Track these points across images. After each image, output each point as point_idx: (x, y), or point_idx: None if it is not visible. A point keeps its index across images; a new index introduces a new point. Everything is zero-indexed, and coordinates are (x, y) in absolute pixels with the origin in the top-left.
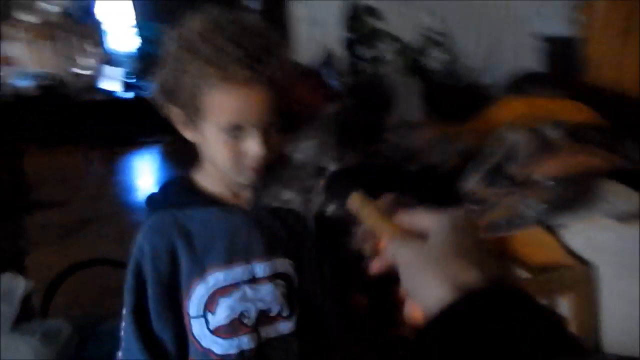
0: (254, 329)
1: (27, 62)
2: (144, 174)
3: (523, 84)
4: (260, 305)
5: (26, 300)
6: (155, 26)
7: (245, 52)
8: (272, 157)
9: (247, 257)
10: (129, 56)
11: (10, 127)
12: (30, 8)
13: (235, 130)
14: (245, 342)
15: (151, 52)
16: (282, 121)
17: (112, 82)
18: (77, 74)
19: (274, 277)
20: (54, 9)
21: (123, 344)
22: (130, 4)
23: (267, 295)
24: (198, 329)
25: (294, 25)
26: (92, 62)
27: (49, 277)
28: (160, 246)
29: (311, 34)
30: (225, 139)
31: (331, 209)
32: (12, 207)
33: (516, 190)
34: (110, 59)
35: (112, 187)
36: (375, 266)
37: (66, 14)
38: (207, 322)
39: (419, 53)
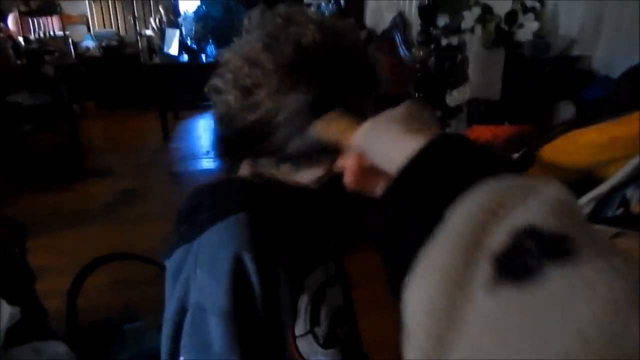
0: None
1: (94, 22)
2: (200, 140)
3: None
4: (336, 309)
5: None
6: None
7: (360, 70)
8: None
9: (326, 252)
10: (192, 19)
11: (71, 90)
12: None
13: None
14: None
15: (212, 14)
16: None
17: (174, 45)
18: (142, 35)
19: (337, 276)
20: None
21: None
22: None
23: (339, 296)
24: (307, 347)
25: None
26: (158, 24)
27: (90, 252)
28: (266, 255)
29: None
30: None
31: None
32: (68, 176)
33: (631, 232)
34: (176, 22)
35: (165, 154)
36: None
37: None
38: (315, 336)
39: (506, 21)
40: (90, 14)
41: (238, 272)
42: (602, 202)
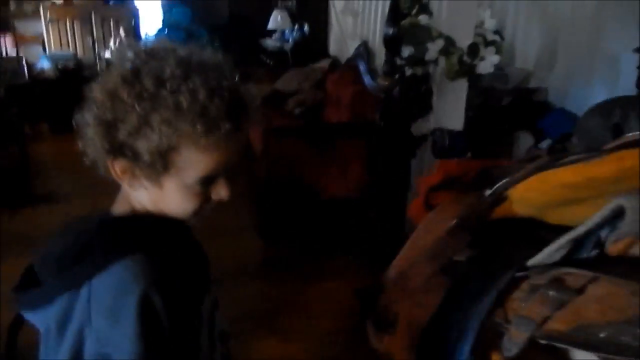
0: None
1: (50, 43)
2: None
3: (615, 114)
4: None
5: None
6: (181, 10)
7: (226, 102)
8: None
9: (208, 279)
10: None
11: (23, 113)
12: None
13: (208, 181)
14: None
15: (174, 38)
16: None
17: None
18: (101, 58)
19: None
20: None
21: None
22: None
23: (224, 319)
24: None
25: (333, 17)
26: (118, 47)
27: None
28: (170, 291)
29: (350, 28)
30: (195, 190)
31: None
32: (15, 200)
33: (608, 278)
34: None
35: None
36: None
37: None
38: None
39: (468, 53)
40: (47, 35)
41: (147, 313)
42: (579, 243)
